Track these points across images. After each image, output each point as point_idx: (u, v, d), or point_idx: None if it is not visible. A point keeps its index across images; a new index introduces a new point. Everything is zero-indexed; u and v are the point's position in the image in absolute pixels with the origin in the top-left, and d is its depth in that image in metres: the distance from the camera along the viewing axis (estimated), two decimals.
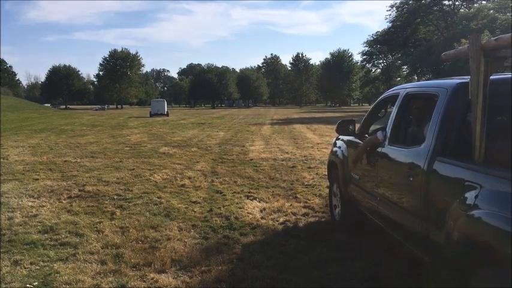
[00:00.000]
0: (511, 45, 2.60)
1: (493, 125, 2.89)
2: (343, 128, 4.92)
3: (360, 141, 4.53)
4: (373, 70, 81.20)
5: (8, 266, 4.10)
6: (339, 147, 5.29)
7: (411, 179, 3.18)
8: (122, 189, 7.43)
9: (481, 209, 2.29)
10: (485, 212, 2.25)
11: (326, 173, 6.41)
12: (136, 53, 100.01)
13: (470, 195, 2.40)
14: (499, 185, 2.28)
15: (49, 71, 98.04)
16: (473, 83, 2.80)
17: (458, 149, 2.92)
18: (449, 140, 2.99)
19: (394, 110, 4.01)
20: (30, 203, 6.47)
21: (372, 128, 4.84)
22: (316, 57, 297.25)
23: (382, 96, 4.77)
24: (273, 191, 7.28)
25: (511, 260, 1.96)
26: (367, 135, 4.66)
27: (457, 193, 2.54)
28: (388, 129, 3.92)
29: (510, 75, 3.14)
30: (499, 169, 2.48)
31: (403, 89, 4.12)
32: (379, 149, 3.94)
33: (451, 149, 2.96)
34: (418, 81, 22.06)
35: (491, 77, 2.78)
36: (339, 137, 5.37)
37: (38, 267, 4.09)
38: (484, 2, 37.72)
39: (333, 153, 5.52)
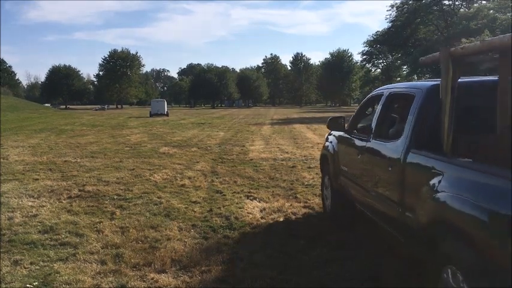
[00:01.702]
0: (475, 53, 3.00)
1: (461, 122, 3.26)
2: (333, 124, 5.32)
3: (349, 137, 4.95)
4: (373, 70, 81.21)
5: (8, 266, 4.10)
6: (331, 142, 5.65)
7: (390, 169, 3.62)
8: (122, 189, 7.43)
9: (443, 192, 2.71)
10: (447, 194, 2.67)
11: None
12: (136, 53, 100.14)
13: (435, 181, 2.83)
14: (458, 172, 2.73)
15: (49, 71, 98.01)
16: (443, 85, 3.19)
17: (431, 142, 3.28)
18: (422, 135, 3.40)
19: (378, 108, 4.44)
20: (30, 203, 6.47)
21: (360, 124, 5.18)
22: (316, 57, 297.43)
23: (369, 95, 5.18)
24: (273, 191, 7.28)
25: (468, 234, 2.42)
26: (355, 130, 4.99)
27: (426, 180, 2.95)
28: (373, 125, 4.33)
29: (476, 79, 3.67)
30: (457, 159, 2.91)
31: (387, 89, 4.55)
32: (364, 143, 4.35)
33: (424, 142, 3.34)
34: (418, 81, 22.26)
35: (459, 80, 3.17)
36: (331, 132, 5.71)
37: (38, 267, 4.09)
38: (484, 2, 37.73)
39: (325, 147, 5.89)
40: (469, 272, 2.42)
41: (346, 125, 5.26)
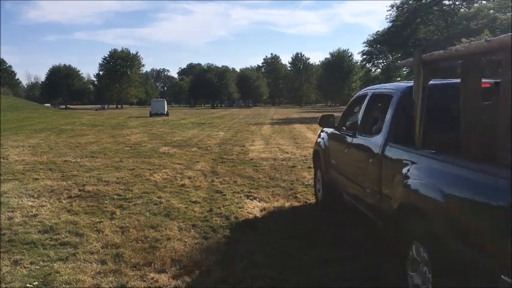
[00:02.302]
0: (442, 59, 3.46)
1: (432, 119, 3.64)
2: (324, 121, 5.84)
3: (338, 133, 5.40)
4: (373, 70, 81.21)
5: (8, 266, 4.10)
6: (322, 138, 6.12)
7: (371, 160, 4.06)
8: (122, 189, 7.43)
9: (411, 179, 3.18)
10: (414, 181, 3.14)
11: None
12: (137, 53, 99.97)
13: (405, 170, 3.30)
14: (423, 161, 3.18)
15: (49, 70, 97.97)
16: (415, 87, 3.60)
17: (405, 137, 3.67)
18: (398, 130, 3.84)
19: (363, 107, 4.88)
20: (30, 203, 6.47)
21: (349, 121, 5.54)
22: (316, 57, 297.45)
23: (356, 95, 5.60)
24: (273, 191, 7.28)
25: (428, 214, 2.90)
26: (344, 127, 5.38)
27: (398, 169, 3.41)
28: (359, 122, 4.79)
29: (444, 82, 4.09)
30: (422, 150, 3.35)
31: (371, 89, 5.01)
32: (351, 139, 4.81)
33: (400, 137, 3.77)
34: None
35: (430, 82, 3.59)
36: (324, 130, 6.14)
37: (38, 267, 4.09)
38: (484, 2, 37.71)
39: (317, 143, 6.37)
40: (428, 245, 2.91)
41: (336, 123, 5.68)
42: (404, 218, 3.31)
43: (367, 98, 4.88)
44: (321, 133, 6.25)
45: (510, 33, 2.72)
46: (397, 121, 3.88)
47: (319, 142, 6.24)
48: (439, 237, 2.77)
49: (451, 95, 3.65)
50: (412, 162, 3.28)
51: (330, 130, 5.82)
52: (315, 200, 6.46)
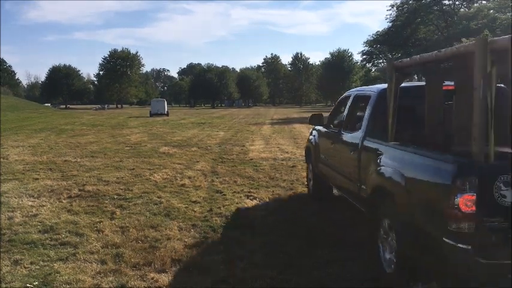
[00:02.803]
0: (410, 65, 4.05)
1: (401, 116, 4.15)
2: (314, 120, 6.51)
3: (327, 130, 6.01)
4: (373, 70, 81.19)
5: (8, 266, 4.10)
6: (314, 135, 6.69)
7: (351, 153, 4.65)
8: (122, 189, 7.43)
9: (383, 166, 3.80)
10: (383, 167, 3.78)
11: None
12: (137, 52, 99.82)
13: (378, 159, 3.90)
14: (390, 152, 3.82)
15: (49, 70, 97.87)
16: (388, 89, 4.13)
17: (380, 132, 4.19)
18: (374, 126, 4.39)
19: (347, 106, 5.46)
20: (30, 203, 6.47)
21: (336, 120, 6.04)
22: (316, 57, 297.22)
23: (342, 96, 6.12)
24: (273, 191, 7.28)
25: (395, 193, 3.51)
26: (332, 125, 5.94)
27: (373, 159, 4.01)
28: (343, 120, 5.40)
29: (412, 84, 4.81)
30: (391, 142, 3.95)
31: (354, 91, 5.67)
32: (336, 135, 5.41)
33: (376, 132, 4.32)
34: (418, 81, 22.75)
35: (401, 85, 4.15)
36: (315, 128, 6.68)
37: (38, 266, 4.09)
38: (484, 2, 37.68)
39: (309, 140, 6.99)
40: (393, 219, 3.56)
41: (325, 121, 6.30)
42: (377, 200, 3.91)
43: (351, 98, 5.48)
44: (313, 131, 6.85)
45: (457, 45, 3.40)
46: (374, 118, 4.46)
47: (311, 139, 6.83)
48: (400, 211, 3.44)
49: (419, 96, 4.16)
50: (383, 153, 3.90)
51: (320, 128, 6.41)
52: (307, 192, 7.08)
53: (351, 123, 5.19)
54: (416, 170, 3.31)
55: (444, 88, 4.10)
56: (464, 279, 2.98)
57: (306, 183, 7.92)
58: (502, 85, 4.25)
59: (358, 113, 5.18)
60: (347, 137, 5.03)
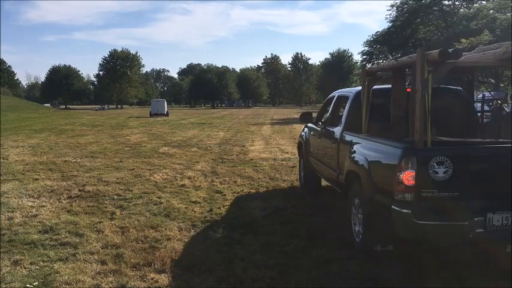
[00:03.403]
0: (379, 71, 5.13)
1: (372, 113, 4.91)
2: (304, 118, 7.19)
3: (315, 127, 6.70)
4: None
5: (8, 266, 4.10)
6: (305, 132, 7.42)
7: (333, 145, 5.46)
8: (122, 189, 7.43)
9: (353, 153, 4.60)
10: (356, 155, 4.54)
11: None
12: (136, 53, 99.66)
13: (351, 149, 4.70)
14: (360, 142, 4.63)
15: (49, 71, 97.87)
16: (362, 91, 4.99)
17: (356, 126, 5.00)
18: (351, 122, 5.22)
19: (331, 105, 6.35)
20: (30, 203, 6.47)
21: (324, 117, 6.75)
22: (316, 57, 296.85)
23: (328, 97, 6.87)
24: (273, 191, 7.27)
25: (361, 174, 4.30)
26: (320, 122, 6.62)
27: (348, 149, 4.81)
28: (328, 117, 6.30)
29: (382, 87, 5.43)
30: (361, 134, 4.79)
31: (337, 92, 6.56)
32: (322, 130, 6.18)
33: (352, 127, 5.13)
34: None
35: (373, 87, 5.03)
36: (307, 125, 7.31)
37: (38, 267, 4.09)
38: (484, 2, 37.66)
39: (301, 136, 7.70)
40: (361, 197, 4.38)
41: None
42: (350, 182, 4.69)
43: (334, 98, 6.36)
44: (304, 128, 7.54)
45: (412, 54, 4.06)
46: (351, 115, 5.30)
47: (302, 135, 7.58)
48: (365, 190, 4.24)
49: (387, 96, 4.85)
50: (355, 143, 4.70)
51: (310, 125, 7.12)
52: (299, 184, 7.75)
53: (333, 119, 6.04)
54: (376, 155, 4.20)
55: (408, 90, 4.67)
56: (407, 239, 3.81)
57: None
58: (460, 88, 5.57)
59: (339, 111, 6.07)
60: (330, 131, 5.77)
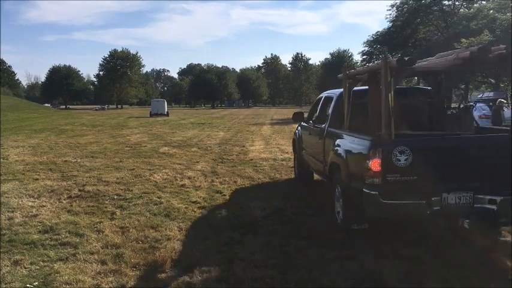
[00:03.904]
0: (358, 74, 5.65)
1: (353, 111, 5.56)
2: (296, 117, 7.93)
3: (306, 125, 7.42)
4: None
5: (8, 266, 4.10)
6: (298, 130, 8.16)
7: (320, 140, 6.12)
8: (122, 189, 7.43)
9: (336, 146, 5.27)
10: (337, 148, 5.23)
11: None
12: (137, 53, 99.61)
13: (334, 142, 5.38)
14: (341, 136, 5.32)
15: (49, 71, 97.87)
16: (344, 92, 5.73)
17: (339, 123, 5.69)
18: (335, 119, 5.88)
19: (319, 105, 7.07)
20: (30, 203, 6.47)
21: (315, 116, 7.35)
22: (316, 57, 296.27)
23: (317, 97, 7.55)
24: (273, 191, 7.27)
25: (340, 164, 5.03)
26: (311, 121, 7.27)
27: (332, 143, 5.48)
28: (316, 116, 7.01)
29: (361, 88, 5.85)
30: (342, 130, 5.47)
31: (325, 93, 7.24)
32: (312, 127, 6.92)
33: (336, 123, 5.81)
34: (418, 80, 23.03)
35: (353, 89, 5.74)
36: (301, 124, 7.94)
37: (38, 267, 4.09)
38: (484, 2, 37.61)
39: (295, 134, 8.47)
40: (341, 183, 5.06)
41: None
42: (333, 172, 5.37)
43: (322, 99, 7.09)
44: (298, 126, 8.24)
45: (379, 61, 4.78)
46: (335, 113, 5.96)
47: (296, 132, 8.34)
48: (343, 177, 4.95)
49: (365, 96, 5.39)
50: (337, 138, 5.38)
51: (303, 123, 7.81)
52: (294, 177, 8.51)
53: (320, 117, 6.71)
54: (352, 148, 4.86)
55: None
56: (377, 217, 4.49)
57: (304, 182, 7.93)
58: (430, 88, 6.33)
59: (326, 110, 6.58)
60: (317, 128, 6.48)
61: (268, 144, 15.02)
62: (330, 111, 6.13)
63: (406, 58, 4.40)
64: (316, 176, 7.43)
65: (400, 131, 4.82)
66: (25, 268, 4.06)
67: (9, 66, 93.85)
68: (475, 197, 4.21)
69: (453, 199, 4.21)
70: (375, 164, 4.21)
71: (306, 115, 7.94)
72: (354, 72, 5.72)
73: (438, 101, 6.16)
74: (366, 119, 5.28)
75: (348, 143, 5.01)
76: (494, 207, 4.14)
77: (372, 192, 4.22)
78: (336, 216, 5.25)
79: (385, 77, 4.40)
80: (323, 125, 6.15)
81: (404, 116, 5.43)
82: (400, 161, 4.16)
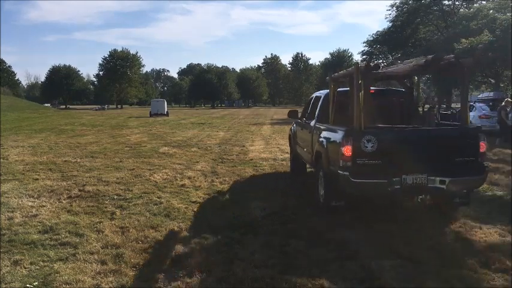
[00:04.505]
0: (341, 77, 6.51)
1: (337, 109, 6.38)
2: (291, 114, 9.00)
3: (300, 121, 8.22)
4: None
5: (8, 266, 4.10)
6: (293, 126, 9.05)
7: (309, 134, 6.97)
8: (122, 189, 7.43)
9: (321, 138, 6.11)
10: (321, 139, 6.11)
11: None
12: (136, 53, 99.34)
13: (320, 134, 6.21)
14: (325, 129, 6.16)
15: (49, 71, 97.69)
16: (329, 92, 6.56)
17: (325, 119, 6.54)
18: (322, 116, 6.73)
19: (311, 104, 7.90)
20: (30, 203, 6.47)
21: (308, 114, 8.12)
22: (316, 57, 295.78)
23: (310, 97, 8.43)
24: (273, 191, 7.27)
25: (322, 152, 6.00)
26: (304, 118, 8.00)
27: (318, 135, 6.27)
28: (307, 113, 7.85)
29: (344, 89, 6.56)
30: (326, 124, 6.32)
31: (316, 93, 8.10)
32: (304, 123, 7.72)
33: (323, 119, 6.63)
34: (417, 81, 23.05)
35: (338, 90, 6.55)
36: (297, 121, 8.65)
37: (38, 267, 4.09)
38: (484, 2, 37.58)
39: (290, 130, 9.45)
40: (322, 168, 5.93)
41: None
42: (317, 160, 6.25)
43: (313, 98, 7.94)
44: (293, 123, 9.10)
45: (350, 68, 5.92)
46: (322, 111, 6.80)
47: (291, 129, 9.32)
48: (324, 163, 5.81)
49: (347, 96, 6.06)
50: (322, 131, 6.19)
51: (297, 120, 8.63)
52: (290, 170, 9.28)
53: (311, 114, 7.46)
54: (330, 137, 5.77)
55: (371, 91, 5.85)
56: (349, 193, 5.35)
57: (305, 182, 7.93)
58: (402, 89, 7.30)
59: (315, 108, 7.30)
60: (308, 124, 7.32)
61: (268, 144, 15.01)
62: (318, 108, 7.07)
63: (372, 64, 5.35)
64: (309, 168, 8.34)
65: (375, 124, 5.59)
66: (25, 268, 4.06)
67: (9, 66, 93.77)
68: (428, 178, 5.07)
69: (411, 180, 5.07)
70: (347, 150, 5.07)
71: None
72: (337, 76, 6.60)
73: (409, 101, 7.11)
74: (347, 114, 5.99)
75: (328, 134, 5.92)
76: (444, 186, 5.07)
77: (345, 173, 5.07)
78: (319, 196, 6.04)
79: (356, 80, 5.32)
80: (312, 121, 7.01)
81: (381, 112, 6.34)
82: (367, 147, 5.03)
